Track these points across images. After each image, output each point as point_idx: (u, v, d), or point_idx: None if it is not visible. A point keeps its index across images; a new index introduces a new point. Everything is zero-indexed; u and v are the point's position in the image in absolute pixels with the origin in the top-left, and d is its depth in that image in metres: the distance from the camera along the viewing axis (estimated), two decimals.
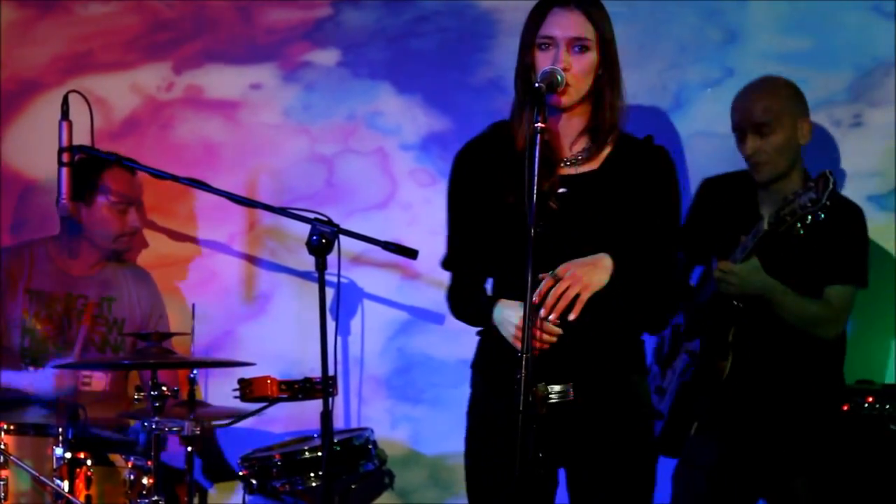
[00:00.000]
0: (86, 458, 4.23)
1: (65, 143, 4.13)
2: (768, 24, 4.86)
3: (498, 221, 3.61)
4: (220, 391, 4.77)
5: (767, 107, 4.36)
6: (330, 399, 3.76)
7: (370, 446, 4.62)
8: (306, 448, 4.56)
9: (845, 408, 4.33)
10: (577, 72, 3.56)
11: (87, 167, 4.65)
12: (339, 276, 3.81)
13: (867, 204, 4.70)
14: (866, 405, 4.31)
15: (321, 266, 3.77)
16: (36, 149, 5.01)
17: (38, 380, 4.63)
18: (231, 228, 5.14)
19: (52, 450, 4.19)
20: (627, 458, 3.63)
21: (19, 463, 4.14)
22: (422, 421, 5.04)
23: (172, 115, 5.19)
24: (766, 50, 4.82)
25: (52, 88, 5.12)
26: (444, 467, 4.95)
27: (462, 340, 3.80)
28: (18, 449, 4.19)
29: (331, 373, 3.77)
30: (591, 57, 3.58)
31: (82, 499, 4.20)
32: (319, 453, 4.47)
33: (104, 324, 4.84)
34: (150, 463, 4.19)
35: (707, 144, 4.62)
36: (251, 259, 5.15)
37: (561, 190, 3.60)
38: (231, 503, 5.04)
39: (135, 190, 4.87)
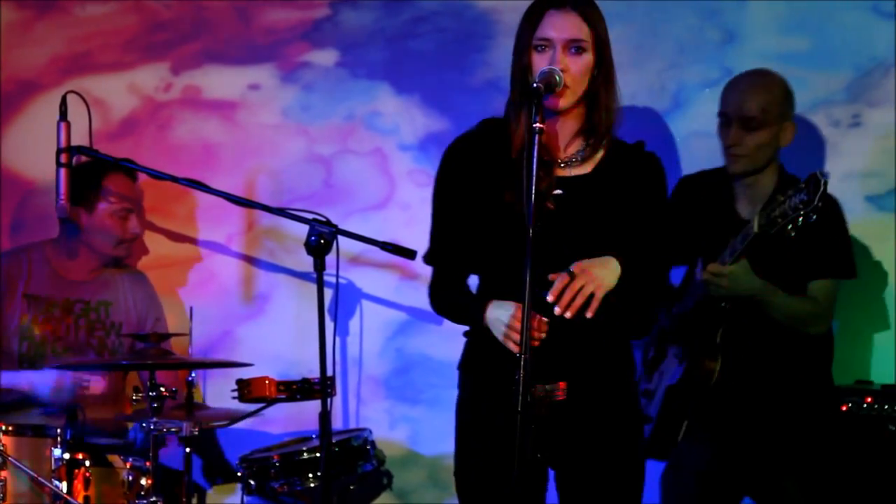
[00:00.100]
0: (84, 459, 4.22)
1: (63, 143, 4.13)
2: (767, 25, 4.86)
3: (491, 220, 3.61)
4: (218, 392, 4.77)
5: (760, 103, 4.36)
6: (328, 400, 3.76)
7: (369, 447, 4.62)
8: (305, 449, 4.56)
9: (844, 408, 4.33)
10: (574, 73, 3.55)
11: (89, 172, 4.65)
12: (337, 276, 3.81)
13: (866, 204, 4.70)
14: (865, 405, 4.31)
15: (320, 266, 3.77)
16: (34, 149, 5.01)
17: (38, 380, 4.63)
18: (229, 229, 5.14)
19: (51, 451, 4.19)
20: (618, 459, 3.63)
21: (17, 464, 4.13)
22: (420, 421, 5.04)
23: (171, 116, 5.19)
24: (764, 50, 4.82)
25: (51, 89, 5.12)
26: (443, 467, 4.93)
27: (461, 341, 3.80)
28: (17, 450, 4.19)
29: (329, 373, 3.77)
30: (588, 58, 3.58)
31: (81, 500, 4.20)
32: (318, 454, 4.47)
33: (102, 328, 4.84)
34: (148, 464, 4.20)
35: (706, 145, 4.62)
36: (250, 260, 5.15)
37: (557, 191, 3.60)
38: (229, 503, 5.05)
39: (136, 195, 4.87)
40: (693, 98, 4.90)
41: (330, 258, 3.78)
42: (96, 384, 4.78)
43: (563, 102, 3.57)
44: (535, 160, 3.36)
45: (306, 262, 3.83)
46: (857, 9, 4.79)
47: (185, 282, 5.16)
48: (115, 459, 4.33)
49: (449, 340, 3.78)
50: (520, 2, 3.66)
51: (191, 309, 4.49)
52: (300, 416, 4.87)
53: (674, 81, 4.92)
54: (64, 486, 4.17)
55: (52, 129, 4.17)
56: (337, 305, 3.91)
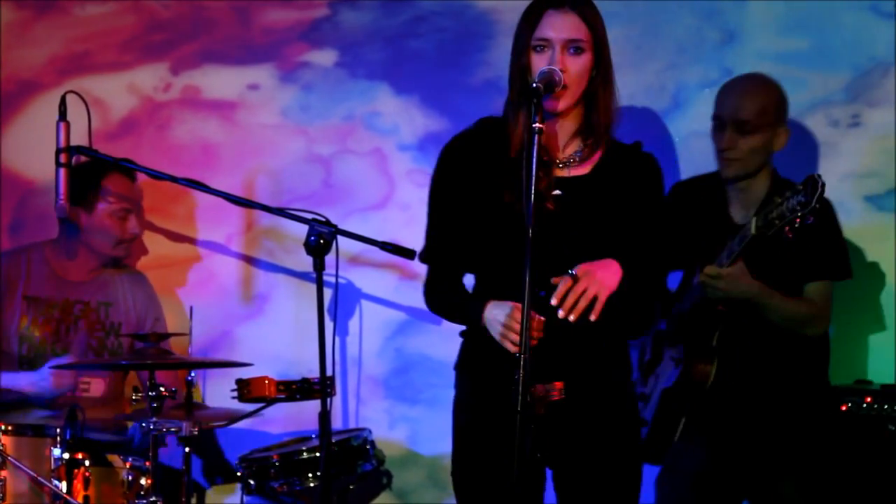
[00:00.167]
0: (84, 459, 4.22)
1: (62, 143, 4.13)
2: (766, 25, 4.86)
3: (489, 219, 3.60)
4: (217, 392, 4.77)
5: (756, 108, 4.36)
6: (328, 399, 3.76)
7: (368, 446, 4.62)
8: (304, 448, 4.56)
9: (843, 408, 4.33)
10: (573, 73, 3.55)
11: (88, 172, 4.65)
12: (336, 276, 3.81)
13: (865, 204, 4.71)
14: (864, 405, 4.31)
15: (319, 266, 3.77)
16: (34, 149, 5.01)
17: (37, 380, 4.63)
18: (229, 229, 5.14)
19: (51, 450, 4.19)
20: (615, 459, 3.63)
21: (17, 464, 4.13)
22: (420, 421, 5.04)
23: (170, 116, 5.19)
24: (764, 50, 4.82)
25: (50, 89, 5.13)
26: (443, 467, 4.94)
27: (460, 341, 3.79)
28: (17, 449, 4.19)
29: (329, 373, 3.77)
30: (587, 58, 3.58)
31: (80, 499, 4.19)
32: (317, 454, 4.47)
33: (101, 329, 4.83)
34: (147, 464, 4.20)
35: (705, 145, 4.61)
36: (249, 260, 5.15)
37: (556, 192, 3.60)
38: (229, 503, 5.04)
39: (135, 195, 4.87)
40: (692, 98, 4.90)
41: (329, 258, 3.78)
42: (96, 386, 4.78)
43: (562, 104, 3.57)
44: (534, 160, 3.35)
45: (306, 262, 3.83)
46: (857, 9, 4.79)
47: (184, 282, 5.16)
48: (115, 459, 4.33)
49: (448, 340, 3.77)
50: (520, 2, 3.66)
51: (190, 309, 4.49)
52: (300, 416, 4.87)
53: (673, 82, 4.92)
54: (63, 485, 4.17)
55: (51, 129, 4.17)
56: (336, 305, 3.92)
